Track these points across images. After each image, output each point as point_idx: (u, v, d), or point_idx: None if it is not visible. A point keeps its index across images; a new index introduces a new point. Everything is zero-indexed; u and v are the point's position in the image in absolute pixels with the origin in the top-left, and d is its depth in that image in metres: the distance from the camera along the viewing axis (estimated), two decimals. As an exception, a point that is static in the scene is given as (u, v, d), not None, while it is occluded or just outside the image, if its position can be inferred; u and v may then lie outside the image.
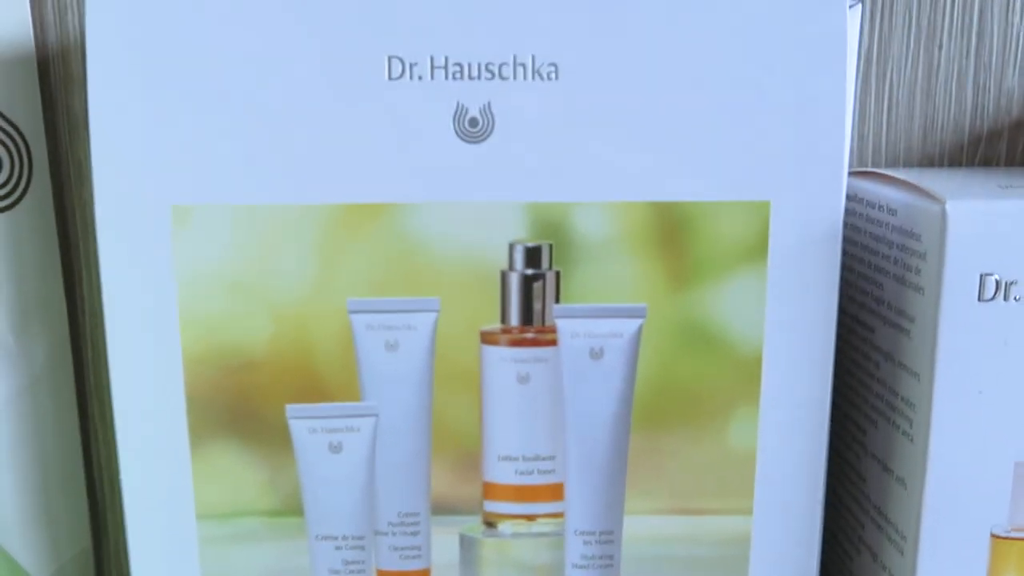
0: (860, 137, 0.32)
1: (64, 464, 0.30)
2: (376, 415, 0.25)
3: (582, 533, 0.26)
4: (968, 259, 0.24)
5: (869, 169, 0.29)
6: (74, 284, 0.31)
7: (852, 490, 0.30)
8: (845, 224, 0.26)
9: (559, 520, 0.26)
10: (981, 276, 0.24)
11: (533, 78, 0.24)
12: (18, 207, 0.28)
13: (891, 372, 0.27)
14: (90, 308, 0.31)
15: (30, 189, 0.28)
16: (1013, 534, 0.25)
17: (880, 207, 0.27)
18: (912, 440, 0.25)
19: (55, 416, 0.29)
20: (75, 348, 0.31)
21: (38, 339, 0.28)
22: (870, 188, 0.29)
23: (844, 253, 0.27)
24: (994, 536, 0.25)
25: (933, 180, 0.27)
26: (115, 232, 0.24)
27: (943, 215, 0.24)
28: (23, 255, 0.28)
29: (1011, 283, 0.24)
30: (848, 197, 0.28)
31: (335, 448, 0.25)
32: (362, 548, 0.26)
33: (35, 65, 0.29)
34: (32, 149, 0.28)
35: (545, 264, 0.25)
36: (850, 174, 0.29)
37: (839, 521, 0.31)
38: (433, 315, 0.24)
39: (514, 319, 0.25)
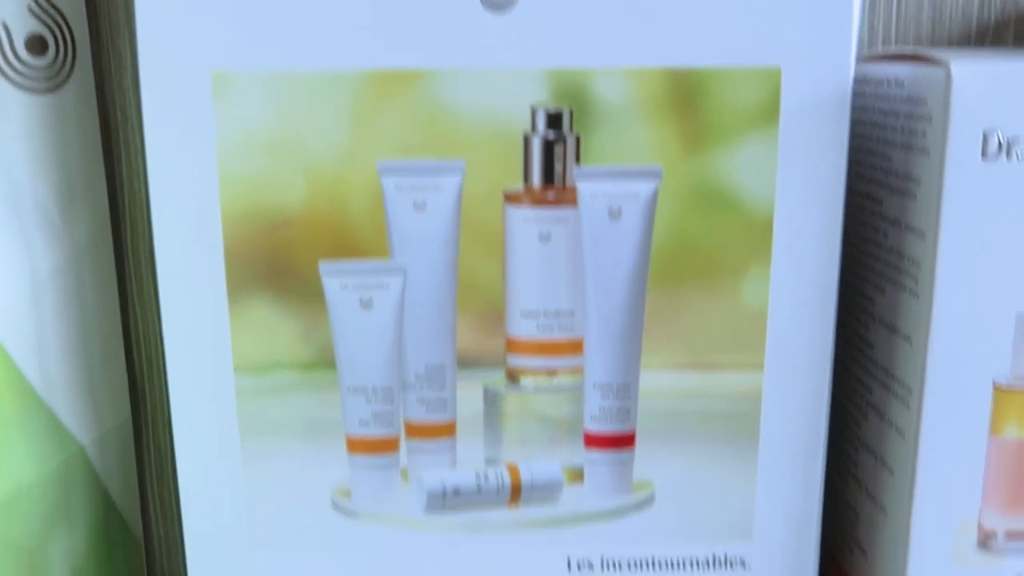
0: (870, 28, 0.32)
1: (105, 339, 0.32)
2: (404, 272, 0.26)
3: (600, 386, 0.27)
4: (971, 118, 0.25)
5: (878, 53, 0.30)
6: (114, 170, 0.32)
7: (860, 359, 0.31)
8: (854, 106, 0.27)
9: (578, 374, 0.27)
10: (984, 135, 0.25)
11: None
12: (63, 89, 0.29)
13: (898, 236, 0.28)
14: (129, 192, 0.32)
15: (74, 73, 0.30)
16: (1015, 384, 0.26)
17: (888, 83, 0.28)
18: (918, 297, 0.26)
19: (97, 292, 0.31)
20: (115, 231, 0.32)
21: (81, 217, 0.30)
22: (878, 69, 0.29)
23: (853, 133, 0.28)
24: (996, 386, 0.26)
25: (939, 53, 0.28)
26: (159, 98, 0.25)
27: (947, 76, 0.25)
28: (67, 136, 0.29)
29: (1014, 141, 0.25)
30: (857, 80, 0.29)
31: (365, 304, 0.26)
32: (391, 400, 0.27)
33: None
34: (75, 34, 0.30)
35: (566, 128, 0.26)
36: (859, 60, 0.30)
37: (847, 391, 0.32)
38: (459, 177, 0.26)
39: (536, 181, 0.26)
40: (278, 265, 0.26)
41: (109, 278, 0.32)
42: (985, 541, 0.28)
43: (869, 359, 0.30)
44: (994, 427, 0.27)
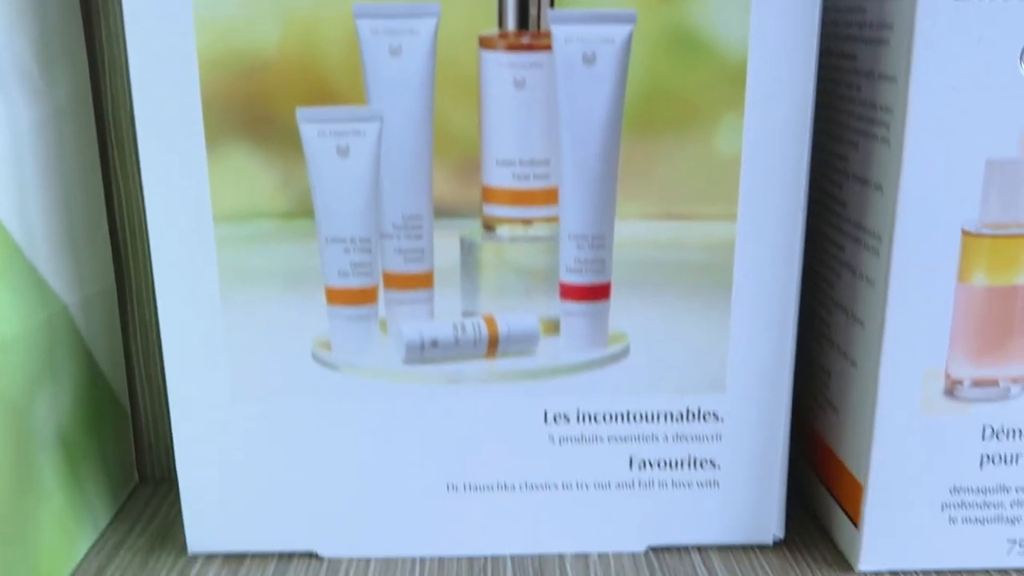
0: None
1: (87, 201, 0.32)
2: (381, 119, 0.26)
3: (575, 237, 0.28)
4: (944, -42, 0.25)
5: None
6: (94, 36, 0.32)
7: (834, 220, 0.31)
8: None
9: (554, 224, 0.28)
10: (956, -25, 0.25)
11: None
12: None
13: (871, 87, 0.28)
14: (109, 59, 0.32)
15: (47, -68, 0.29)
16: (984, 230, 0.27)
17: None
18: (889, 144, 0.27)
19: (77, 154, 0.31)
20: (96, 100, 0.32)
21: (60, 78, 0.30)
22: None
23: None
24: (965, 233, 0.27)
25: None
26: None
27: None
28: (43, -4, 0.29)
29: (985, -18, 0.25)
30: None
31: (342, 151, 0.26)
32: (368, 251, 0.27)
33: None
34: None
35: (540, -27, 0.26)
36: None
37: (821, 254, 0.32)
38: (434, 19, 0.26)
39: (511, 24, 0.26)
40: (256, 112, 0.26)
41: (90, 143, 0.32)
42: (952, 389, 0.29)
43: (843, 218, 0.30)
44: (962, 274, 0.27)
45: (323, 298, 0.28)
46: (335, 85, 0.26)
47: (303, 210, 0.27)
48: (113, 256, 0.34)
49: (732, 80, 0.26)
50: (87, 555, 0.31)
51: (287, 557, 0.31)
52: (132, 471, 0.36)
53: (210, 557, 0.31)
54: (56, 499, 0.30)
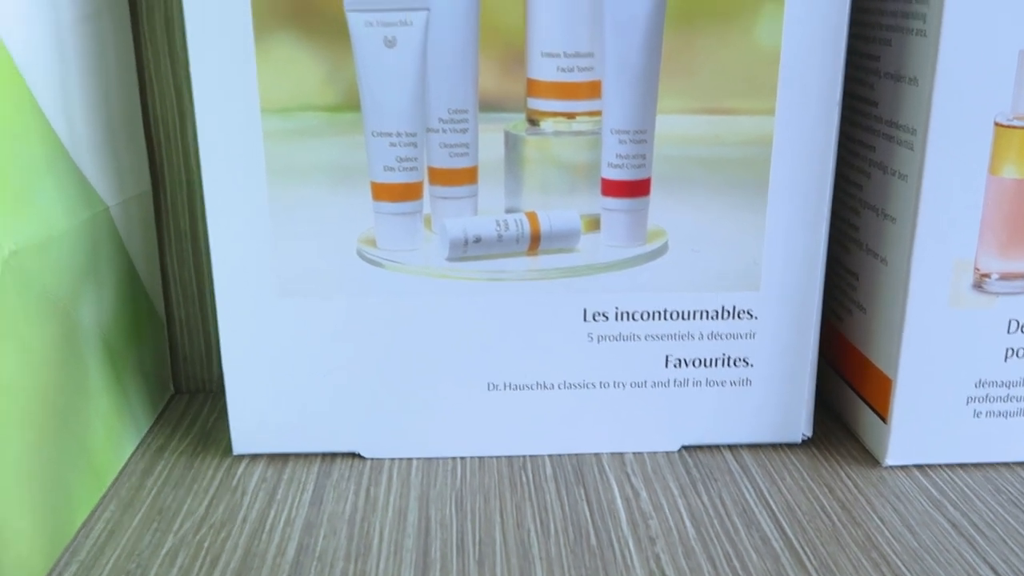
0: None
1: (125, 104, 0.32)
2: (428, 8, 0.26)
3: (617, 132, 0.28)
4: None
5: None
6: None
7: (862, 120, 0.32)
8: None
9: (596, 119, 0.28)
10: None
11: None
12: None
13: (906, -17, 0.28)
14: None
15: None
16: (1015, 122, 0.28)
17: None
18: (925, 35, 0.27)
19: (116, 54, 0.31)
20: (131, 1, 0.32)
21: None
22: None
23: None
24: (997, 124, 0.28)
25: None
26: None
27: None
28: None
29: None
30: None
31: (389, 42, 0.27)
32: (414, 145, 0.28)
33: None
34: None
35: None
36: None
37: (850, 156, 0.33)
38: (481, -89, 0.26)
39: (557, -85, 0.26)
40: (303, 1, 0.26)
41: (126, 44, 0.32)
42: (980, 283, 0.29)
43: (873, 117, 0.31)
44: (993, 167, 0.28)
45: (368, 194, 0.28)
46: (383, -24, 0.26)
47: (350, 103, 0.27)
48: (149, 166, 0.34)
49: (773, -27, 0.27)
50: (132, 456, 0.32)
51: (330, 457, 0.32)
52: (168, 381, 0.36)
53: (255, 457, 0.31)
54: (102, 400, 0.30)
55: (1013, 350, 0.30)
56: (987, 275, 0.29)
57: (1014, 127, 0.27)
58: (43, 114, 0.27)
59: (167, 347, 0.36)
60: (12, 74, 0.25)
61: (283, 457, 0.31)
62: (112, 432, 0.30)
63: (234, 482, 0.30)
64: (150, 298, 0.34)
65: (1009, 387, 0.30)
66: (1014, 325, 0.30)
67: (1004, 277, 0.29)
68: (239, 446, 0.31)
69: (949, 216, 0.28)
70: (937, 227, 0.28)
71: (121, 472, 0.31)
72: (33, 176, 0.26)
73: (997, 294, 0.29)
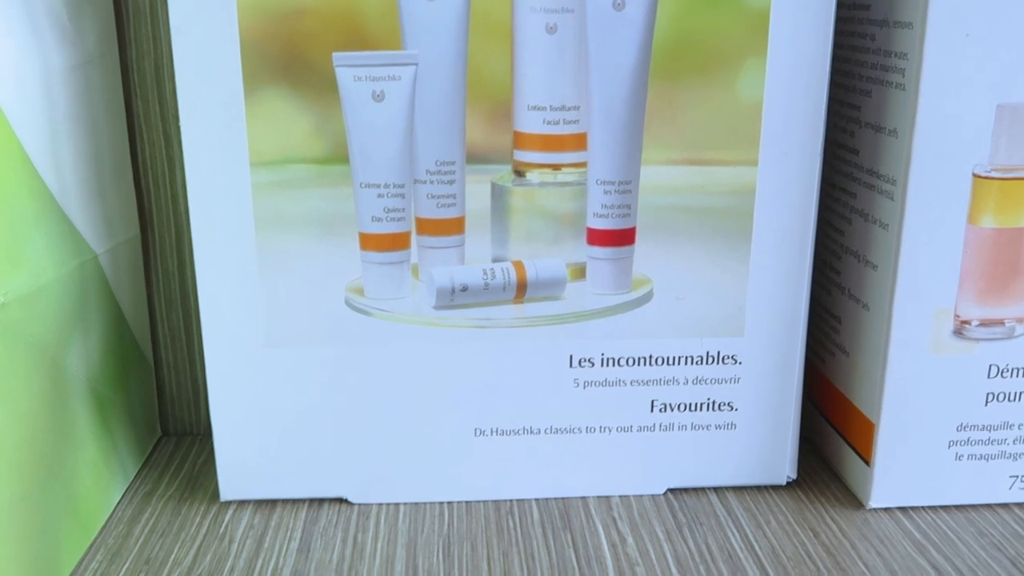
0: None
1: (115, 151, 0.32)
2: (416, 63, 0.27)
3: (603, 182, 0.28)
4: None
5: None
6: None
7: (844, 167, 0.32)
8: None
9: (582, 170, 0.28)
10: (970, -75, 0.26)
11: None
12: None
13: (886, 35, 0.29)
14: (133, 7, 0.32)
15: None
16: (993, 173, 0.28)
17: None
18: (904, 89, 0.28)
19: (105, 102, 0.31)
20: (120, 49, 0.32)
21: (89, 24, 0.30)
22: None
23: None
24: (975, 176, 0.28)
25: None
26: None
27: None
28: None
29: (997, -68, 0.26)
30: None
31: (378, 97, 0.27)
32: (402, 196, 0.28)
33: None
34: None
35: (571, -77, 0.26)
36: None
37: (831, 202, 0.33)
38: (468, -33, 0.26)
39: (543, -28, 0.27)
40: (293, 56, 0.27)
41: (116, 91, 0.32)
42: (960, 329, 0.30)
43: (854, 165, 0.32)
44: (972, 216, 0.29)
45: (356, 244, 0.28)
46: (371, 30, 0.27)
47: (338, 155, 0.28)
48: (137, 209, 0.34)
49: (755, 26, 0.27)
50: (119, 503, 0.32)
51: (318, 503, 0.32)
52: (156, 424, 0.36)
53: (242, 504, 0.31)
54: (89, 447, 0.30)
55: (993, 394, 0.30)
56: (967, 322, 0.29)
57: (992, 178, 0.28)
58: (32, 165, 0.27)
59: (155, 390, 0.36)
60: (1, 125, 0.25)
61: (271, 503, 0.31)
62: (99, 479, 0.30)
63: (221, 529, 0.30)
64: (138, 342, 0.34)
65: (990, 431, 0.31)
66: (994, 370, 0.30)
67: (984, 324, 0.29)
68: (226, 492, 0.31)
69: (930, 264, 0.29)
70: (918, 275, 0.29)
71: (108, 520, 0.31)
72: (22, 229, 0.26)
73: (977, 340, 0.30)
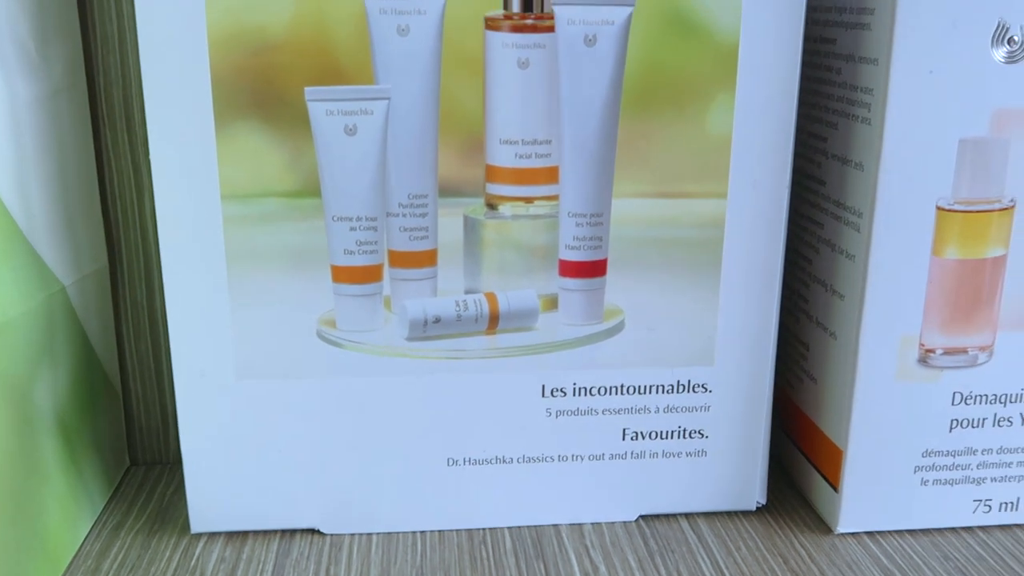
0: None
1: (83, 181, 0.32)
2: (388, 98, 0.27)
3: (574, 215, 0.29)
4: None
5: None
6: (86, 13, 0.32)
7: (812, 198, 0.33)
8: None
9: (554, 203, 0.29)
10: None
11: None
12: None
13: (852, 70, 0.29)
14: (101, 37, 0.32)
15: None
16: (956, 207, 0.29)
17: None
18: (870, 123, 0.28)
19: (73, 133, 0.31)
20: (88, 80, 0.32)
21: (56, 53, 0.30)
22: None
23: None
24: (939, 208, 0.29)
25: None
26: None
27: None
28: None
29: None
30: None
31: (350, 131, 0.27)
32: (375, 229, 0.28)
33: None
34: None
35: (542, -42, 0.27)
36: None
37: (799, 231, 0.34)
38: (442, 0, 0.26)
39: (516, 6, 0.27)
40: (265, 90, 0.27)
41: (84, 122, 0.32)
42: (925, 357, 0.30)
43: (821, 196, 0.32)
44: (936, 248, 0.29)
45: (328, 276, 0.28)
46: (343, 64, 0.27)
47: (310, 189, 0.27)
48: (105, 239, 0.34)
49: (724, 62, 0.28)
50: (88, 537, 0.31)
51: (290, 534, 0.31)
52: (124, 454, 0.36)
53: (213, 535, 0.31)
54: (57, 481, 0.29)
55: (957, 421, 0.31)
56: (932, 350, 0.30)
57: (955, 211, 0.28)
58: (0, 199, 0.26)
59: (123, 420, 0.36)
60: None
61: (242, 535, 0.31)
62: (67, 513, 0.30)
63: (192, 562, 0.30)
64: (106, 372, 0.34)
65: (954, 456, 0.31)
66: (958, 397, 0.30)
67: (948, 352, 0.30)
68: (197, 524, 0.31)
69: (895, 294, 0.29)
70: (884, 305, 0.29)
71: (76, 555, 0.30)
72: (-12, 263, 0.26)
73: (942, 368, 0.30)
